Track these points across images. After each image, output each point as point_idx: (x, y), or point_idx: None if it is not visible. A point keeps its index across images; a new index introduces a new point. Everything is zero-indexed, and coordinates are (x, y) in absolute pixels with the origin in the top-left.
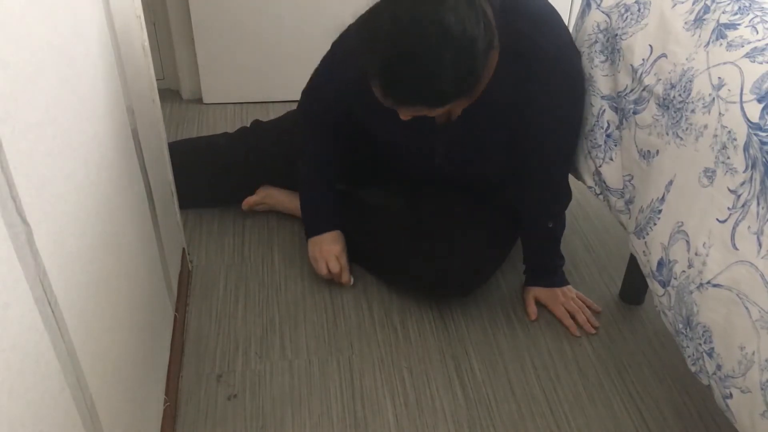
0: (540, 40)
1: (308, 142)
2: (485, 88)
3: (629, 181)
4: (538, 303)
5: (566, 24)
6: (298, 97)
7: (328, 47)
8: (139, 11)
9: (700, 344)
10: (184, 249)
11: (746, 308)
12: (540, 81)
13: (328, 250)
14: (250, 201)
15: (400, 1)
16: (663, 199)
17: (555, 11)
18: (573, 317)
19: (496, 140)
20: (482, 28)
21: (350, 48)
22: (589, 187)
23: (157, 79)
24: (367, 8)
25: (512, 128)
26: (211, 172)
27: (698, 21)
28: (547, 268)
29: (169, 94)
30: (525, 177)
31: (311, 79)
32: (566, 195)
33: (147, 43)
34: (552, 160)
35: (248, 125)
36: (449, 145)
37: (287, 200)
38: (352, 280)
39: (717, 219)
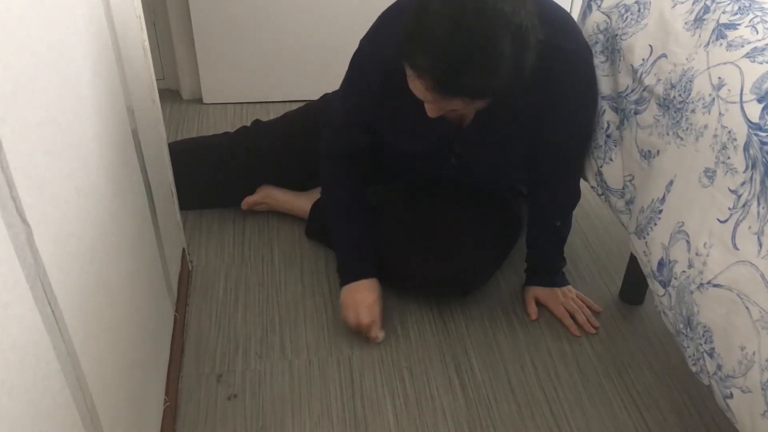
0: (559, 43)
1: (339, 180)
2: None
3: (630, 181)
4: (538, 303)
5: None
6: (298, 97)
7: (327, 47)
8: (139, 11)
9: (700, 344)
10: (184, 249)
11: (747, 308)
12: (560, 82)
13: (362, 298)
14: (249, 201)
15: None
16: (663, 199)
17: (568, 13)
18: (573, 317)
19: (514, 145)
20: (531, 20)
21: (367, 59)
22: (592, 187)
23: (157, 79)
24: (372, 12)
25: (530, 131)
26: (212, 172)
27: (698, 21)
28: (549, 269)
29: (169, 94)
30: (539, 177)
31: (332, 106)
32: (576, 194)
33: (147, 43)
34: (568, 161)
35: (248, 125)
36: (465, 151)
37: (287, 200)
38: (382, 335)
39: (717, 219)
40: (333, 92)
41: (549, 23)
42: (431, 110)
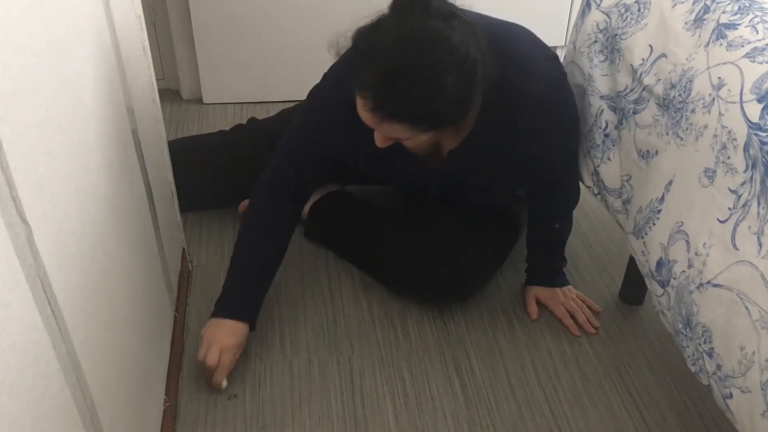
0: (525, 86)
1: (270, 217)
2: (470, 134)
3: (627, 181)
4: (538, 303)
5: (563, 32)
6: (298, 97)
7: (327, 48)
8: (139, 11)
9: (699, 344)
10: (184, 249)
11: (746, 308)
12: (533, 126)
13: (219, 339)
14: (246, 205)
15: (404, 17)
16: (662, 199)
17: (530, 39)
18: (573, 317)
19: (495, 174)
20: (482, 55)
21: (331, 86)
22: (588, 187)
23: (157, 79)
24: (372, 13)
25: (511, 163)
26: (208, 170)
27: (698, 21)
28: (549, 269)
29: (169, 94)
30: (533, 187)
31: (288, 139)
32: (575, 196)
33: (147, 43)
34: (557, 172)
35: (244, 123)
36: (443, 185)
37: None
38: (225, 384)
39: (717, 219)
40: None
41: (512, 65)
42: (378, 138)
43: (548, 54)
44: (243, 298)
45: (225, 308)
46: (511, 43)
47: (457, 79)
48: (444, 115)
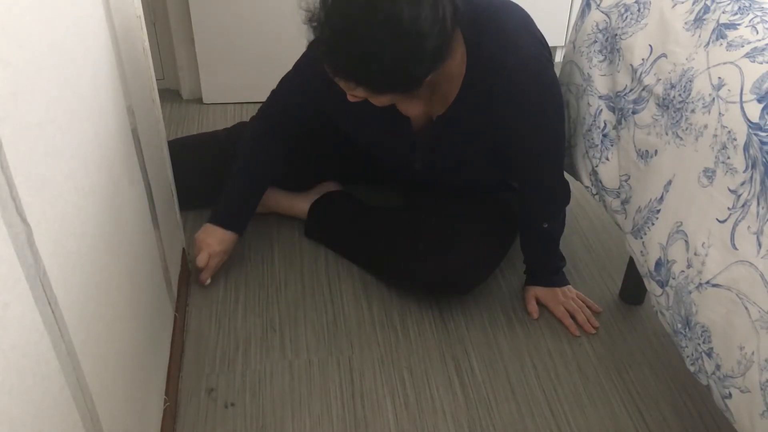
0: (504, 58)
1: (261, 137)
2: (456, 101)
3: (626, 181)
4: (538, 302)
5: (563, 32)
6: None
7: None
8: (139, 11)
9: (699, 344)
10: (184, 249)
11: (746, 308)
12: (508, 98)
13: (210, 245)
14: None
15: None
16: (661, 199)
17: (523, 21)
18: (573, 317)
19: (474, 151)
20: (437, 30)
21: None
22: (586, 187)
23: (157, 79)
24: None
25: (490, 140)
26: (210, 165)
27: (698, 21)
28: (547, 269)
29: (169, 94)
30: (516, 179)
31: (279, 82)
32: (562, 196)
33: (147, 43)
34: (538, 166)
35: (247, 120)
36: (427, 154)
37: (285, 201)
38: (208, 281)
39: (717, 219)
40: None
41: (494, 37)
42: (349, 96)
43: (537, 38)
44: (234, 211)
45: (218, 219)
46: (500, 17)
47: (397, 48)
48: (384, 81)
